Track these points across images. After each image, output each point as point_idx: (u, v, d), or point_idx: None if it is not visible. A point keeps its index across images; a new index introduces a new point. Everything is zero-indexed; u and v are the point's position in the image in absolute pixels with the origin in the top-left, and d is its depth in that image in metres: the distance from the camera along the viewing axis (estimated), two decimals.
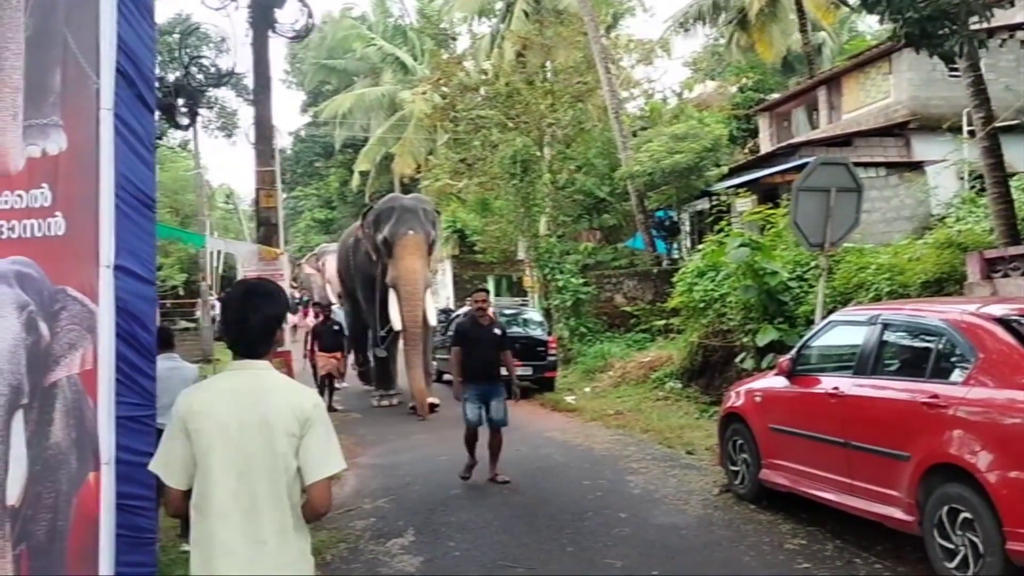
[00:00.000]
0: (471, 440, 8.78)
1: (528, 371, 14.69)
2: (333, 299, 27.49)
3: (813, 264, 11.94)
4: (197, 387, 3.03)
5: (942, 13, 7.35)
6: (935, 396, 5.44)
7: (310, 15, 9.20)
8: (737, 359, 11.87)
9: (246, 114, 48.03)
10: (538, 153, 19.24)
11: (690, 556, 6.23)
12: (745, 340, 11.80)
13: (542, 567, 6.20)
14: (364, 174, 40.82)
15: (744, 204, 16.97)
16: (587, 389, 14.88)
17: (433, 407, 13.29)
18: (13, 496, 3.00)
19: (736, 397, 7.79)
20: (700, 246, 15.80)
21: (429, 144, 36.58)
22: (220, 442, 2.76)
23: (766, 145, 23.58)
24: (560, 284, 17.82)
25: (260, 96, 9.12)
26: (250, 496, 2.79)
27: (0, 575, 2.97)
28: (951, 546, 5.21)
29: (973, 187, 16.59)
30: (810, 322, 10.96)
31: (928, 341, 5.87)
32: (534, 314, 16.64)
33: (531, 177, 18.24)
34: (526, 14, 29.01)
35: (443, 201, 24.80)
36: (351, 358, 17.36)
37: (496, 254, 24.31)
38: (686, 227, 21.91)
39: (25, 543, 2.99)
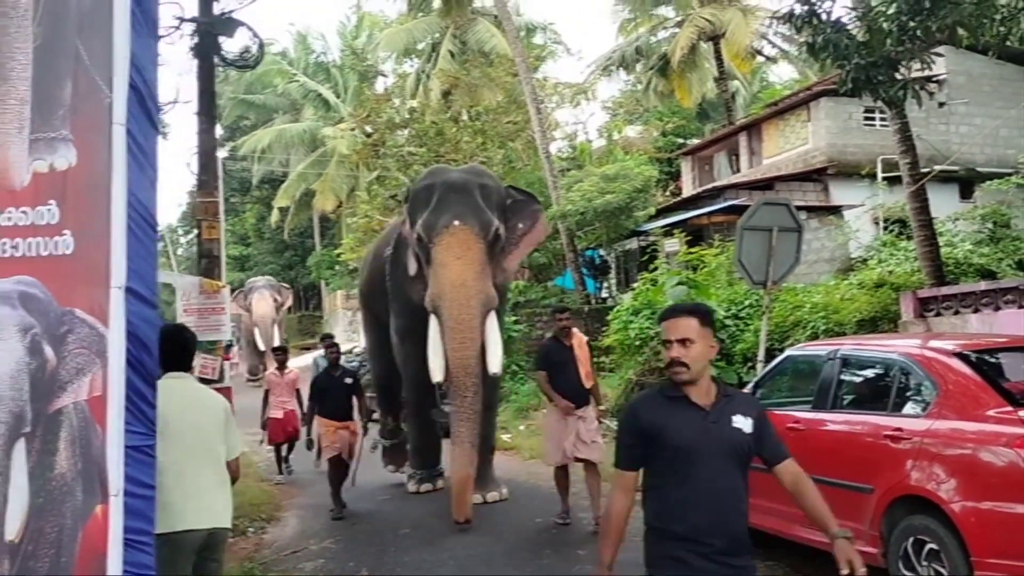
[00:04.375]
0: None
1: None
2: (261, 346, 25.95)
3: (747, 303, 12.24)
4: None
5: (886, 60, 7.70)
6: (899, 429, 5.58)
7: (261, 45, 9.06)
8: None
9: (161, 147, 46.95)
10: None
11: None
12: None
13: None
14: (283, 210, 40.35)
15: (672, 245, 17.29)
16: (522, 427, 14.80)
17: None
18: (13, 531, 2.80)
19: None
20: (633, 285, 16.01)
21: (351, 181, 36.39)
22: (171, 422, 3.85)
23: (688, 188, 24.18)
24: None
25: (205, 126, 8.91)
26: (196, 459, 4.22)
27: None
28: None
29: (891, 231, 17.31)
30: (747, 359, 11.21)
31: (889, 375, 6.03)
32: None
33: None
34: (452, 54, 29.30)
35: (369, 237, 24.57)
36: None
37: None
38: (613, 267, 22.23)
39: None
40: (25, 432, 2.84)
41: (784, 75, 39.70)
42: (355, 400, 9.50)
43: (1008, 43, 9.38)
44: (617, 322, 13.86)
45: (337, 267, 38.11)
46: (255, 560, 7.69)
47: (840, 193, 19.33)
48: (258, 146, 38.78)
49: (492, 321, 8.37)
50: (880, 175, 18.61)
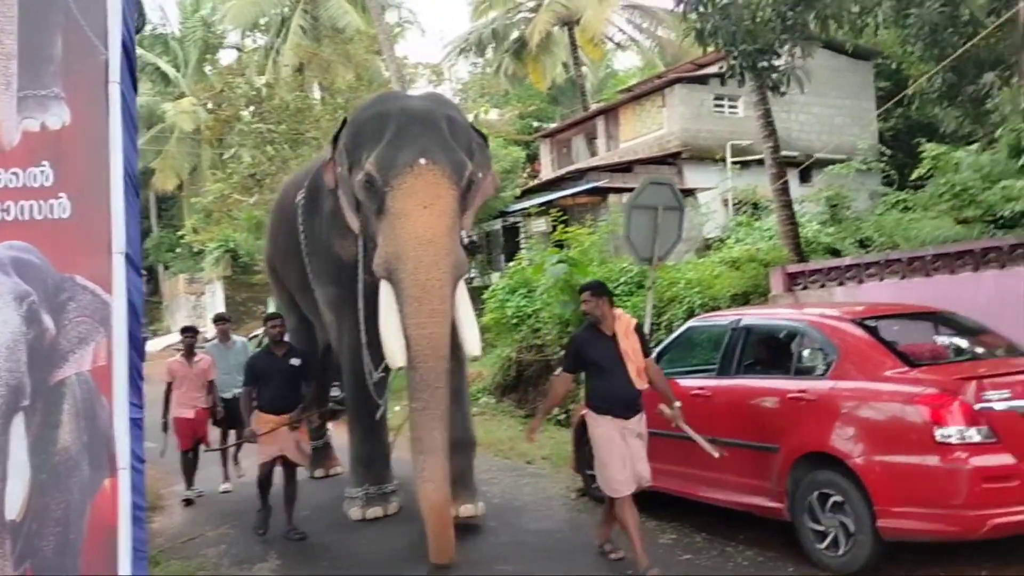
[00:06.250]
0: None
1: (339, 392, 14.44)
2: None
3: (622, 280, 12.66)
4: None
5: (770, 47, 8.16)
6: (802, 391, 5.99)
7: (141, 12, 8.57)
8: (557, 371, 12.27)
9: None
10: None
11: (575, 557, 6.41)
12: (562, 353, 12.24)
13: None
14: None
15: (540, 225, 17.62)
16: (397, 408, 14.74)
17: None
18: (14, 509, 2.66)
19: None
20: (509, 265, 16.23)
21: (194, 159, 35.07)
22: None
23: (547, 170, 24.67)
24: None
25: None
26: None
27: None
28: (821, 528, 5.72)
29: (744, 212, 18.27)
30: None
31: (791, 341, 6.45)
32: None
33: None
34: (303, 29, 28.69)
35: (225, 220, 23.81)
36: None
37: None
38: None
39: (30, 560, 2.65)
40: (24, 405, 2.70)
41: (628, 63, 41.07)
42: (307, 389, 7.64)
43: (863, 36, 10.07)
44: (493, 301, 14.05)
45: (179, 250, 36.62)
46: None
47: (694, 176, 20.20)
48: None
49: (463, 291, 6.59)
50: (729, 159, 19.58)
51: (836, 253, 14.20)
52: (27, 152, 2.81)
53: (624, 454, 5.89)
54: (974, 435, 5.12)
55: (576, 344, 6.26)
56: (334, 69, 24.65)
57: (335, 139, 7.03)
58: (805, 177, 21.26)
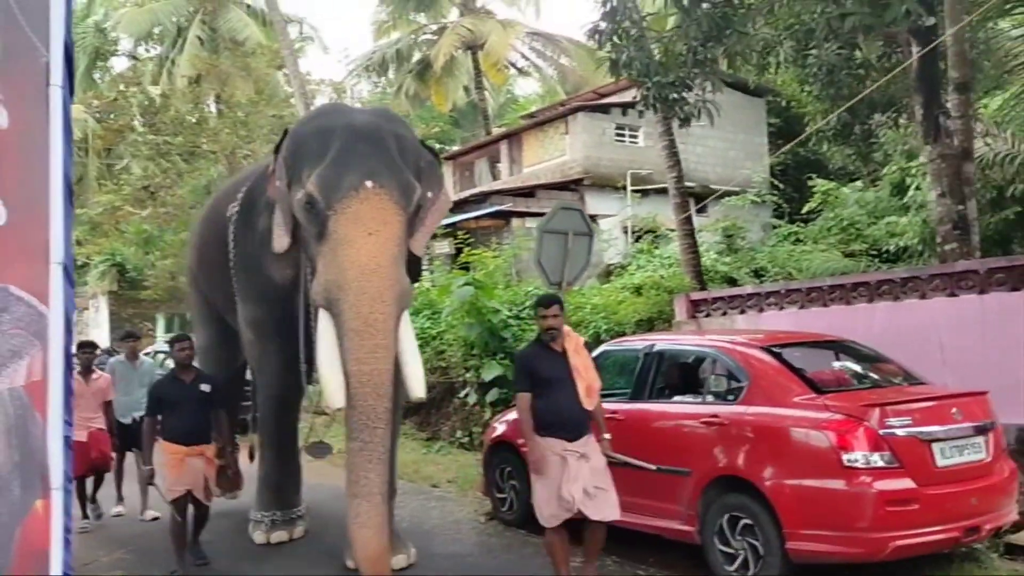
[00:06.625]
0: None
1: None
2: None
3: (527, 304, 12.75)
4: None
5: (681, 80, 8.42)
6: (714, 416, 6.14)
7: None
8: (461, 393, 12.28)
9: None
10: None
11: None
12: (468, 376, 12.25)
13: None
14: None
15: (443, 246, 17.60)
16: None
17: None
18: None
19: (505, 426, 8.08)
20: (414, 285, 16.10)
21: (80, 169, 33.68)
22: None
23: (449, 192, 24.72)
24: None
25: None
26: None
27: None
28: (731, 551, 5.86)
29: (643, 239, 18.68)
30: None
31: (703, 367, 6.62)
32: None
33: None
34: (201, 40, 28.03)
35: (113, 234, 22.98)
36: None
37: (160, 291, 23.12)
38: None
39: None
40: None
41: (528, 89, 41.63)
42: (219, 418, 7.11)
43: (767, 72, 10.47)
44: None
45: None
46: None
47: (595, 203, 20.53)
48: None
49: (407, 324, 6.05)
50: (630, 188, 20.01)
51: (733, 282, 14.69)
52: None
53: (557, 481, 5.57)
54: (878, 460, 5.34)
55: (526, 361, 5.95)
56: (233, 82, 24.17)
57: (276, 150, 6.56)
58: (701, 208, 21.93)
